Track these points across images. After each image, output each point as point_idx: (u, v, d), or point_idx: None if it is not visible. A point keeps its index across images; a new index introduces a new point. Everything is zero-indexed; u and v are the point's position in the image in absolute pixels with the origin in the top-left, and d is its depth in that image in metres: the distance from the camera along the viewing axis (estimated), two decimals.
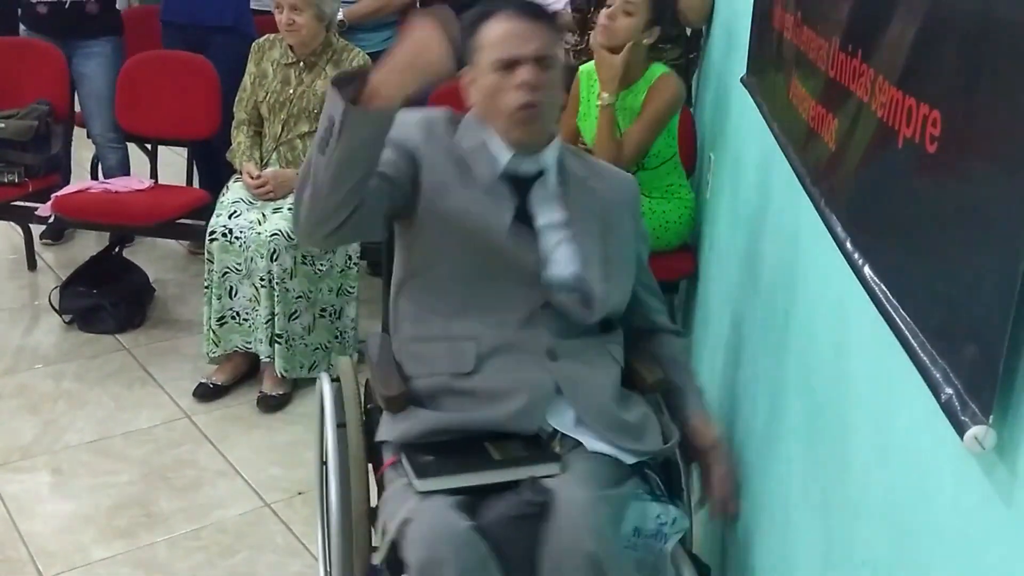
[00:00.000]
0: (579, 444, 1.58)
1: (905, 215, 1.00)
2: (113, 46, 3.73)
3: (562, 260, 1.68)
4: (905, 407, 0.99)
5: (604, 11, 2.70)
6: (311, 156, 1.51)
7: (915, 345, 0.93)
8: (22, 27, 3.84)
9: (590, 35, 2.91)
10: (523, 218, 1.67)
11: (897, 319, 0.98)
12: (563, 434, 1.60)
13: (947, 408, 0.83)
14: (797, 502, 1.40)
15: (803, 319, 1.48)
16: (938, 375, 0.87)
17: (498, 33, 1.63)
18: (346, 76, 1.46)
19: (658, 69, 2.79)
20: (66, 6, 3.62)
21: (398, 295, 1.77)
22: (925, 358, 0.90)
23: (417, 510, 1.46)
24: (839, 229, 1.23)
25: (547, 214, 1.69)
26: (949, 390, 0.84)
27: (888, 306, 1.01)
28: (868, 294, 1.08)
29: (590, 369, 1.65)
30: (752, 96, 2.11)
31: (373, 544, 1.67)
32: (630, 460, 1.57)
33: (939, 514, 0.89)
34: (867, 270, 1.10)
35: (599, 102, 2.70)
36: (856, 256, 1.14)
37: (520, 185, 1.69)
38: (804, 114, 1.54)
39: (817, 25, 1.49)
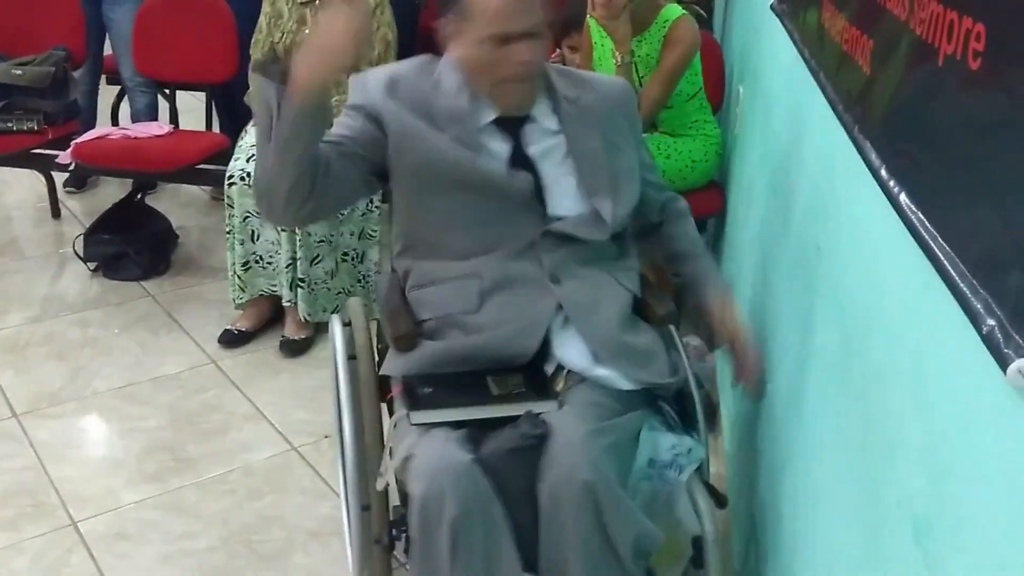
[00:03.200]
0: (582, 380, 1.57)
1: (945, 137, 0.94)
2: None
3: (566, 187, 1.67)
4: (944, 340, 0.94)
5: None
6: (258, 148, 1.55)
7: (954, 275, 0.88)
8: None
9: None
10: (519, 154, 1.67)
11: (935, 248, 0.93)
12: (568, 370, 1.59)
13: (989, 340, 0.78)
14: (830, 439, 1.36)
15: (835, 252, 1.43)
16: (979, 306, 0.82)
17: (492, 6, 1.56)
18: (264, 63, 1.48)
19: (672, 12, 2.67)
20: None
21: (396, 242, 1.79)
22: (965, 288, 0.85)
23: (418, 444, 1.47)
24: (873, 156, 1.17)
25: (541, 143, 1.68)
26: (991, 321, 0.79)
27: (925, 235, 0.96)
28: (904, 223, 1.02)
29: (595, 291, 1.64)
30: (783, 23, 2.03)
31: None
32: (628, 386, 1.56)
33: (980, 453, 0.85)
34: (903, 198, 1.04)
35: (615, 62, 2.60)
36: (891, 184, 1.08)
37: (510, 124, 1.68)
38: (837, 37, 1.47)
39: None
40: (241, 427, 2.62)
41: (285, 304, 2.95)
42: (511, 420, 1.49)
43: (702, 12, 3.41)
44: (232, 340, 3.00)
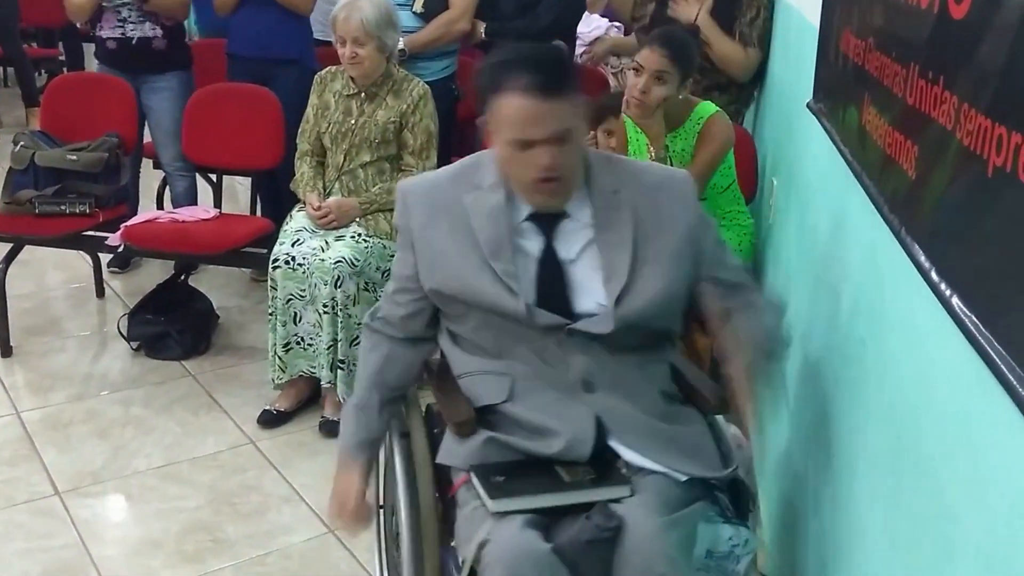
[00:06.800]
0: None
1: (1000, 245, 0.98)
2: (180, 80, 3.81)
3: (594, 284, 1.67)
4: (1002, 443, 0.96)
5: (633, 84, 2.60)
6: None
7: (1012, 378, 0.91)
8: (95, 62, 3.97)
9: None
10: (550, 253, 1.68)
11: (991, 351, 0.96)
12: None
13: None
14: (879, 538, 1.37)
15: (882, 347, 1.46)
16: None
17: (512, 112, 1.57)
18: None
19: (707, 109, 2.74)
20: (133, 42, 3.72)
21: (441, 334, 1.82)
22: (1023, 391, 0.88)
23: (494, 531, 1.48)
24: (922, 258, 1.21)
25: (573, 244, 1.69)
26: None
27: (980, 338, 0.99)
28: (957, 324, 1.05)
29: (630, 395, 1.65)
30: (820, 121, 2.09)
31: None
32: (682, 478, 1.58)
33: None
34: (955, 300, 1.07)
35: (649, 156, 2.67)
36: (943, 286, 1.11)
37: (546, 220, 1.69)
38: (879, 140, 1.52)
39: (892, 51, 1.48)
40: (279, 509, 2.64)
41: (325, 385, 2.99)
42: (582, 507, 1.50)
43: (740, 108, 3.47)
44: (270, 420, 3.04)
